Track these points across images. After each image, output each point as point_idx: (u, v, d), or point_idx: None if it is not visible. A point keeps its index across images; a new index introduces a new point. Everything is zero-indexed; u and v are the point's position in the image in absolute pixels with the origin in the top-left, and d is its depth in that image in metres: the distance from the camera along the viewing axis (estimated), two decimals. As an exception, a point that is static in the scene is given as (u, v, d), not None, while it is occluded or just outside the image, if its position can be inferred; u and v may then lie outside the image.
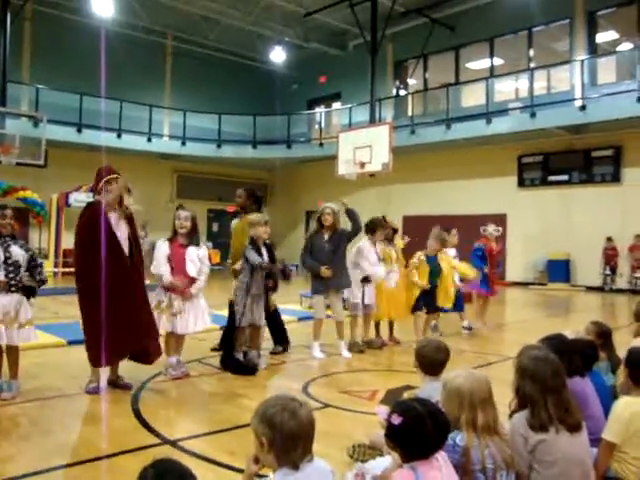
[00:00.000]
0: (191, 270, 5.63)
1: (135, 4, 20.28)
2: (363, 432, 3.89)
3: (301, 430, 2.05)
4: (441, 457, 2.25)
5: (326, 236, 6.87)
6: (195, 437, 4.08)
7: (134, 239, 5.26)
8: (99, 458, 3.63)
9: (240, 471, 3.27)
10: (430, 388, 3.27)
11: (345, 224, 7.10)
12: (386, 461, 2.71)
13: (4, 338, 4.79)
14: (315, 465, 2.09)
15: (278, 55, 23.14)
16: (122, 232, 5.15)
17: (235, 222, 7.11)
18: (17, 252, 4.85)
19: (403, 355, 6.91)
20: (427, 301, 7.57)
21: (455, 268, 8.15)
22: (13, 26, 16.87)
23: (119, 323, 4.84)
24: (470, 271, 8.34)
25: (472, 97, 19.82)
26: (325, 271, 6.71)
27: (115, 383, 5.20)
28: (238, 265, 6.29)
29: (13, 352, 4.96)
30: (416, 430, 2.18)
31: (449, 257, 8.05)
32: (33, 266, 4.97)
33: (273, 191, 25.30)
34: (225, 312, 6.83)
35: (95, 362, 4.96)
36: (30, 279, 4.90)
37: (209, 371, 6.09)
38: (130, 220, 5.27)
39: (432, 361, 3.47)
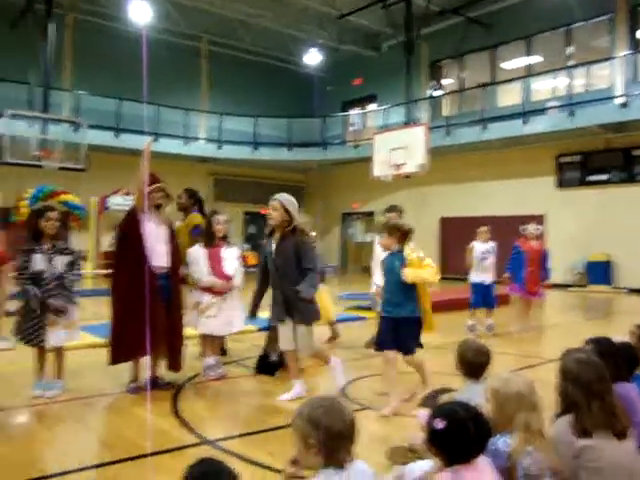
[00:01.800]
0: (229, 269, 5.70)
1: (172, 10, 20.52)
2: (402, 435, 3.87)
3: (346, 430, 2.05)
4: (484, 461, 2.21)
5: (274, 241, 5.15)
6: (233, 437, 4.12)
7: (173, 246, 5.33)
8: (140, 456, 3.68)
9: (279, 471, 3.29)
10: (470, 391, 3.23)
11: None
12: (426, 465, 2.68)
13: (51, 340, 4.91)
14: (357, 466, 2.09)
15: (313, 57, 23.21)
16: (159, 238, 5.22)
17: (178, 224, 6.74)
18: (58, 262, 4.98)
19: (440, 356, 6.84)
20: None
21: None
22: (55, 35, 17.24)
23: (131, 325, 4.90)
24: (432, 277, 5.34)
25: (508, 96, 19.57)
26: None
27: (155, 383, 5.26)
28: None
29: (59, 353, 5.09)
30: (459, 434, 2.15)
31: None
32: (71, 262, 5.10)
33: (309, 193, 25.35)
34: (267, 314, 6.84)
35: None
36: (56, 299, 4.94)
37: (246, 372, 6.13)
38: (171, 227, 5.38)
39: (473, 363, 3.43)
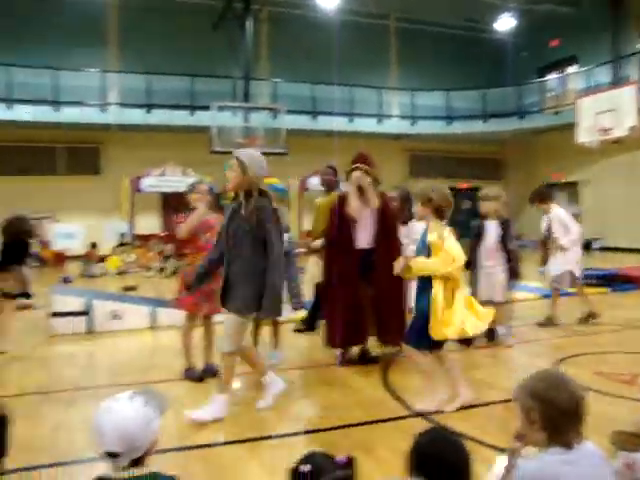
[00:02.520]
0: None
1: (359, -10, 20.76)
2: (627, 418, 3.61)
3: (573, 407, 1.93)
4: None
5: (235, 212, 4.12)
6: (445, 411, 4.09)
7: (384, 230, 5.33)
8: (355, 425, 3.84)
9: (491, 447, 3.23)
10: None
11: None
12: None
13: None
14: (587, 447, 1.97)
15: (505, 23, 22.17)
16: (364, 221, 5.31)
17: (321, 199, 6.74)
18: None
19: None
20: None
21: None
22: (252, 30, 18.26)
23: (345, 313, 5.17)
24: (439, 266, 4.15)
25: None
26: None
27: (364, 356, 5.43)
28: (318, 242, 5.85)
29: (276, 325, 5.48)
30: None
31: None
32: None
33: (505, 165, 24.43)
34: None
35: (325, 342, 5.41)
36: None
37: (455, 346, 6.08)
38: (384, 211, 5.37)
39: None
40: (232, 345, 3.98)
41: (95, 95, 18.61)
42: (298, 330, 6.81)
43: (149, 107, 18.80)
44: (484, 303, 6.02)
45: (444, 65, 23.23)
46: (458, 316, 3.99)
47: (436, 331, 3.97)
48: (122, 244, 16.56)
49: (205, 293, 4.84)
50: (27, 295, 7.54)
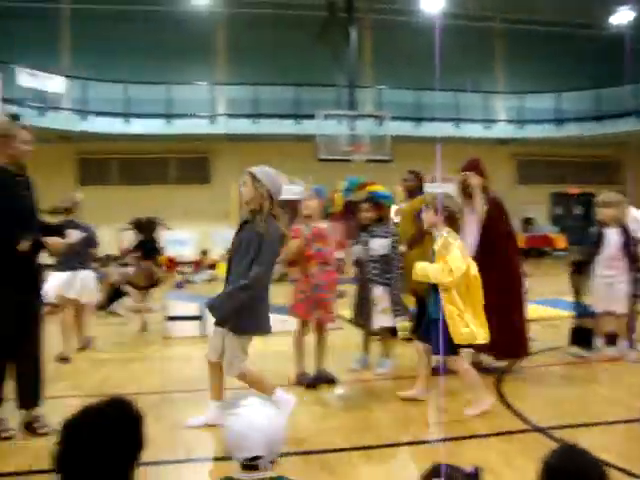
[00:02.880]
0: None
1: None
2: None
3: None
4: None
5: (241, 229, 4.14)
6: (565, 427, 3.90)
7: (488, 238, 5.17)
8: (470, 437, 3.76)
9: (616, 468, 3.02)
10: None
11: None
12: None
13: (378, 322, 5.32)
14: None
15: (621, 17, 21.09)
16: (469, 228, 5.18)
17: (404, 205, 6.47)
18: (377, 244, 5.26)
19: None
20: None
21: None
22: (356, 37, 18.37)
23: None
24: (439, 275, 4.26)
25: None
26: None
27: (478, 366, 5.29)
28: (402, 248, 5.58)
29: (384, 334, 5.51)
30: None
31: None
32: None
33: (622, 169, 23.19)
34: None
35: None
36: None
37: (568, 359, 5.83)
38: (491, 218, 5.21)
39: None
40: (237, 369, 3.87)
41: (204, 107, 19.31)
42: (406, 339, 6.72)
43: (256, 117, 19.29)
44: (603, 314, 5.77)
45: (553, 65, 22.32)
46: (473, 322, 4.15)
47: (458, 337, 4.09)
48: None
49: (316, 301, 4.87)
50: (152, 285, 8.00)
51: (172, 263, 16.68)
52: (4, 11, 19.37)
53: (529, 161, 22.65)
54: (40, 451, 3.46)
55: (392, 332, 5.72)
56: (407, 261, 5.82)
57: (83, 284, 6.50)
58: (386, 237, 5.37)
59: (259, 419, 1.86)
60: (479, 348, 5.18)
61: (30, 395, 3.90)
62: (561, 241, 20.49)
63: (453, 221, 4.30)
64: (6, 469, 3.35)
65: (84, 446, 1.58)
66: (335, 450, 3.58)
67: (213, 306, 3.91)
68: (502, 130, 21.50)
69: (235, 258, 3.97)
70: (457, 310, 4.14)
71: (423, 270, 4.24)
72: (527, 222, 21.23)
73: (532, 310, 7.56)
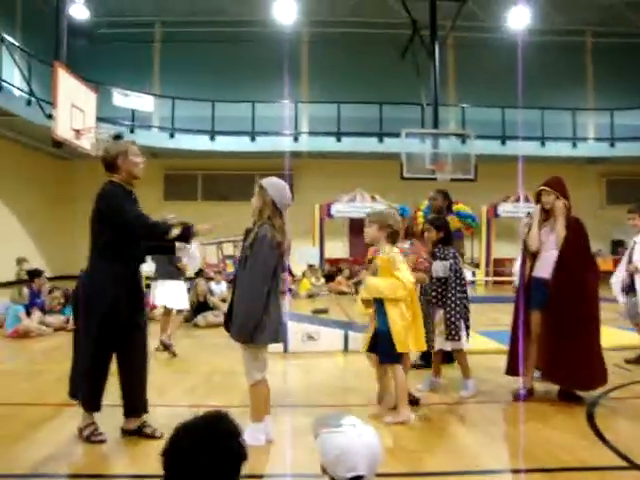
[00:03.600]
0: None
1: (549, 9, 19.97)
2: None
3: None
4: None
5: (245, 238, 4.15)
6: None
7: (566, 260, 4.97)
8: (560, 469, 3.55)
9: None
10: None
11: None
12: None
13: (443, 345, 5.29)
14: None
15: None
16: (547, 245, 5.10)
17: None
18: (437, 266, 5.25)
19: None
20: None
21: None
22: (440, 55, 18.26)
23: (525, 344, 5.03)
24: (391, 292, 4.43)
25: None
26: None
27: (531, 393, 5.15)
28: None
29: (461, 356, 5.38)
30: None
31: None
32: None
33: None
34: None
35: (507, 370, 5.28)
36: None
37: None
38: (569, 240, 5.03)
39: None
40: (250, 378, 3.99)
41: (288, 125, 19.63)
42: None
43: (338, 135, 19.43)
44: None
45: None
46: (414, 331, 4.48)
47: (401, 345, 4.37)
48: (311, 266, 17.13)
49: None
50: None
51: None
52: (100, 37, 20.46)
53: (619, 181, 21.74)
54: (140, 456, 3.60)
55: (447, 356, 5.69)
56: None
57: (179, 293, 7.47)
58: (446, 259, 5.28)
59: (368, 436, 1.86)
60: (553, 379, 5.04)
61: (140, 401, 4.09)
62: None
63: (394, 237, 4.54)
64: (111, 471, 3.49)
65: (190, 459, 1.62)
66: (421, 474, 3.50)
67: (233, 332, 3.97)
68: (591, 149, 20.81)
69: (238, 270, 4.08)
70: (405, 322, 4.39)
71: (375, 286, 4.46)
72: (616, 244, 20.36)
73: (624, 337, 7.25)
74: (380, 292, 4.43)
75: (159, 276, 7.44)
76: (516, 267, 6.38)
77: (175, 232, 3.93)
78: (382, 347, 4.46)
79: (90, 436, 3.91)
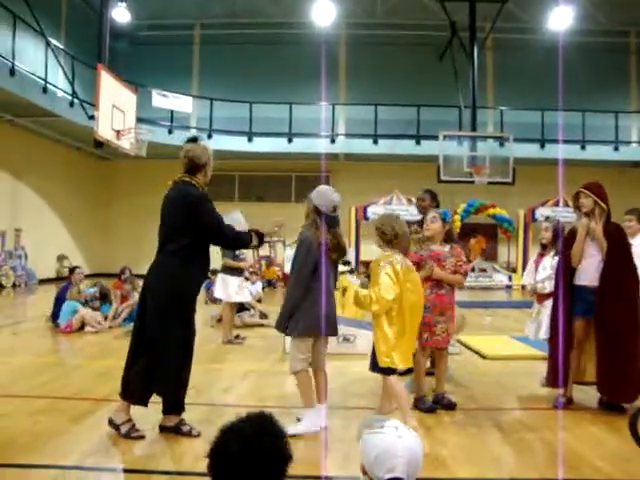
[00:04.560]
0: None
1: (591, 9, 19.66)
2: None
3: None
4: None
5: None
6: None
7: (612, 267, 4.90)
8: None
9: None
10: None
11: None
12: None
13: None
14: None
15: None
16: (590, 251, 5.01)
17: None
18: None
19: None
20: None
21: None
22: (479, 57, 18.12)
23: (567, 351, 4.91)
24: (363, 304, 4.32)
25: None
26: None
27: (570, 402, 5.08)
28: None
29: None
30: None
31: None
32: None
33: None
34: None
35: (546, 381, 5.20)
36: None
37: None
38: (614, 236, 4.97)
39: None
40: (293, 367, 4.32)
41: (325, 127, 19.67)
42: None
43: (375, 137, 19.40)
44: None
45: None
46: (400, 347, 4.14)
47: (381, 359, 4.14)
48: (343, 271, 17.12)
49: (426, 323, 4.81)
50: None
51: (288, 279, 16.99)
52: (141, 39, 20.78)
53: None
54: (178, 454, 3.66)
55: None
56: None
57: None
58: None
59: (408, 439, 1.86)
60: (603, 392, 4.95)
61: (180, 400, 4.16)
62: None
63: (396, 244, 4.28)
64: (149, 467, 3.56)
65: (238, 461, 1.65)
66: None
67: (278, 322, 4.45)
68: (634, 152, 20.40)
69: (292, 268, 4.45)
70: (383, 336, 4.14)
71: (355, 296, 4.26)
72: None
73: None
74: (355, 303, 4.35)
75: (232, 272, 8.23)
76: (529, 271, 6.26)
77: (254, 243, 4.29)
78: (372, 355, 4.31)
79: (129, 432, 3.97)
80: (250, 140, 19.42)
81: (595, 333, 4.94)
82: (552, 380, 5.06)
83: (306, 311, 4.22)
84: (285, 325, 4.31)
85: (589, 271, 4.95)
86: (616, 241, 4.93)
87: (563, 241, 5.21)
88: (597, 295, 4.88)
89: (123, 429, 3.99)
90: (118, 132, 12.63)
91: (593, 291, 4.91)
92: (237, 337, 8.22)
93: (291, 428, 4.00)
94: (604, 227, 4.94)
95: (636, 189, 21.12)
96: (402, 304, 4.14)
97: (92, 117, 12.64)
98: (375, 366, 4.24)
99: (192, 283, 4.13)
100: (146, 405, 4.09)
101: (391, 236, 4.26)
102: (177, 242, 4.02)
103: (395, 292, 4.08)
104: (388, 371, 4.18)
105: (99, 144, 12.74)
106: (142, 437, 3.98)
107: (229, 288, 8.16)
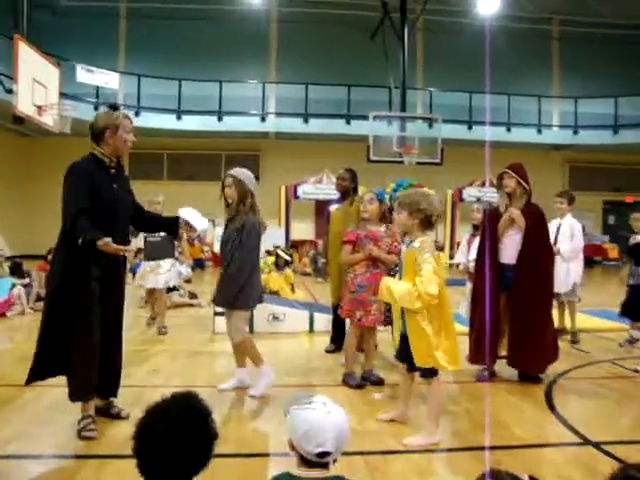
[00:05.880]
0: None
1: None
2: None
3: None
4: None
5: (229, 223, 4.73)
6: (620, 443, 3.76)
7: (530, 245, 5.09)
8: (517, 446, 3.65)
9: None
10: None
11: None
12: None
13: None
14: None
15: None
16: (510, 235, 5.20)
17: (336, 207, 6.48)
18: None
19: None
20: None
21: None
22: (409, 39, 18.31)
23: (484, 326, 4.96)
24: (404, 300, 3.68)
25: None
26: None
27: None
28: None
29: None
30: None
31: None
32: None
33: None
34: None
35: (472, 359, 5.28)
36: None
37: (622, 373, 5.68)
38: (533, 215, 5.15)
39: None
40: (239, 336, 4.69)
41: (255, 105, 19.51)
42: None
43: (306, 116, 19.37)
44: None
45: (611, 70, 21.80)
46: (444, 345, 3.69)
47: (419, 359, 3.70)
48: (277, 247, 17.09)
49: (359, 301, 4.88)
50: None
51: (218, 259, 16.86)
52: (65, 10, 19.94)
53: (583, 168, 22.19)
54: (107, 437, 3.61)
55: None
56: (333, 268, 6.03)
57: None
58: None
59: (337, 414, 1.89)
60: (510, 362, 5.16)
61: (115, 384, 4.03)
62: (613, 251, 20.02)
63: (429, 226, 3.78)
64: (77, 452, 3.49)
65: (163, 441, 1.64)
66: (381, 452, 3.55)
67: (217, 298, 4.77)
68: (556, 136, 21.13)
69: (225, 249, 4.62)
70: (424, 333, 3.63)
71: (389, 290, 3.70)
72: (578, 229, 20.74)
73: (582, 321, 7.44)
74: (395, 300, 3.71)
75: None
76: (462, 250, 6.52)
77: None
78: (407, 354, 3.78)
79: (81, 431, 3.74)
80: (179, 118, 19.05)
81: (508, 307, 5.13)
82: (478, 357, 5.16)
83: (254, 287, 4.64)
84: (233, 300, 4.56)
85: (509, 249, 5.14)
86: (535, 220, 5.13)
87: (487, 217, 5.37)
88: (515, 271, 5.08)
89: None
90: (40, 108, 12.12)
91: (512, 268, 5.10)
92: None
93: (252, 390, 4.61)
94: (525, 207, 5.14)
95: (557, 170, 21.97)
96: (442, 296, 3.67)
97: (11, 91, 12.07)
98: (419, 369, 3.77)
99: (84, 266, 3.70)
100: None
101: (434, 217, 3.77)
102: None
103: (438, 285, 3.58)
104: (432, 373, 3.76)
105: (19, 119, 12.19)
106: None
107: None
